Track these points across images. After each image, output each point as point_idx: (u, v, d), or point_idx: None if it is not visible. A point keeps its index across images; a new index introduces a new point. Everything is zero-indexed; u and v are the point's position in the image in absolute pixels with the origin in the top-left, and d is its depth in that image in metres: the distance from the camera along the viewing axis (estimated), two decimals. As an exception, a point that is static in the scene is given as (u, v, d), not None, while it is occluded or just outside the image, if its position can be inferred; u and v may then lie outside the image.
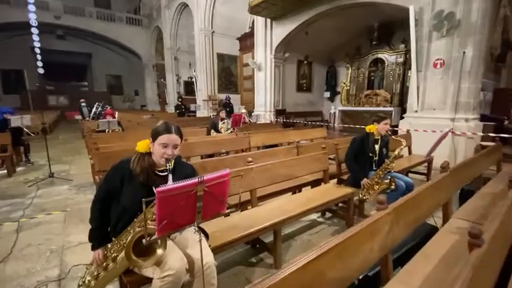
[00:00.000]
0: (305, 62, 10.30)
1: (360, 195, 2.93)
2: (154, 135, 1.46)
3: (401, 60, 8.62)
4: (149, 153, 1.51)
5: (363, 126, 7.96)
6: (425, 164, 4.34)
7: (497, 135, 4.37)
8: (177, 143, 1.47)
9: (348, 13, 7.85)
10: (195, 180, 1.05)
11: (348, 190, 2.79)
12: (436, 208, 2.07)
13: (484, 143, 5.12)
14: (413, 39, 5.43)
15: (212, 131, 5.64)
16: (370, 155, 3.00)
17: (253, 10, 8.57)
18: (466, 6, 4.70)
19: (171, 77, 18.65)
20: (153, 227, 1.28)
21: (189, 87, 18.23)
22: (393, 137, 2.84)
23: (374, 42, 8.89)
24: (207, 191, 1.07)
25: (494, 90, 6.15)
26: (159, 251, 1.25)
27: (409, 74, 8.53)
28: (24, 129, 5.78)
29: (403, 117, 6.22)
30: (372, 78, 9.54)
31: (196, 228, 1.20)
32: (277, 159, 3.08)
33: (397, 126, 7.82)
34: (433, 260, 1.58)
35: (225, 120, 5.75)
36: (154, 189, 1.55)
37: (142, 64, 22.80)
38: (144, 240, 1.08)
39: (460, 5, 4.74)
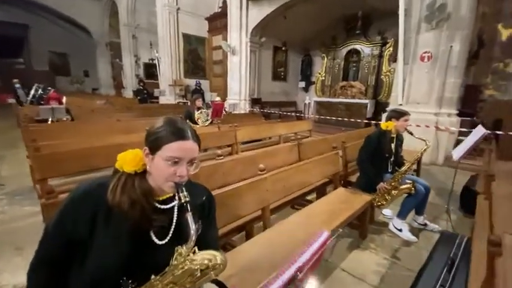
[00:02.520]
0: (282, 48, 9.79)
1: (375, 201, 2.59)
2: (155, 143, 0.84)
3: (377, 52, 8.60)
4: (142, 173, 0.89)
5: (346, 119, 7.81)
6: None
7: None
8: (194, 156, 0.86)
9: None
10: (290, 271, 0.48)
11: (366, 197, 2.42)
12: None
13: (462, 138, 5.26)
14: (401, 30, 5.25)
15: (187, 122, 4.88)
16: (387, 155, 2.66)
17: (228, -14, 7.72)
18: (456, -1, 4.61)
19: (129, 57, 16.69)
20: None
21: (150, 70, 16.53)
22: (416, 136, 2.51)
23: (357, 31, 8.71)
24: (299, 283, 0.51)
25: (466, 86, 6.37)
26: None
27: (383, 68, 8.62)
28: None
29: (385, 111, 6.15)
30: (349, 69, 9.45)
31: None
32: (281, 160, 2.58)
33: (372, 119, 7.89)
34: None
35: (202, 110, 5.02)
36: (153, 236, 0.94)
37: (94, 41, 20.02)
38: None
39: (450, -3, 4.63)
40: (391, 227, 2.68)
